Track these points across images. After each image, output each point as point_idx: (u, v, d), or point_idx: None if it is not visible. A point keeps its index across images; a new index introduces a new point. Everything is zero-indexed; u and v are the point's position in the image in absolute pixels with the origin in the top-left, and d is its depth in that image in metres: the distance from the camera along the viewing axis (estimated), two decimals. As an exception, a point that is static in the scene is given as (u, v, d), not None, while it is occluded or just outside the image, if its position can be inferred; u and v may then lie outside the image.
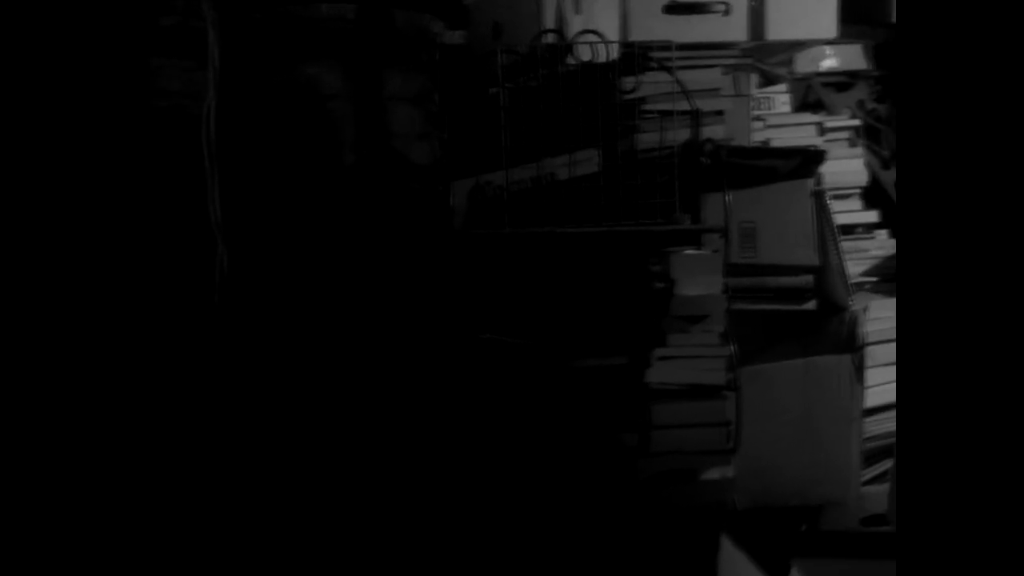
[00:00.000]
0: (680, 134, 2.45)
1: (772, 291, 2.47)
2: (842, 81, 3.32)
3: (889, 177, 3.22)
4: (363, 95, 2.15)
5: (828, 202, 2.52)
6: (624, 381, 2.22)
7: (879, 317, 2.73)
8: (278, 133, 2.12)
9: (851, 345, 2.54)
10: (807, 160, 2.47)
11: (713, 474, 2.22)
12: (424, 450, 2.13)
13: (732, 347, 2.27)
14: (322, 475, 2.12)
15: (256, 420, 2.08)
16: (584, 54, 2.40)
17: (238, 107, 2.03)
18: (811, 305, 2.48)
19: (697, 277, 2.22)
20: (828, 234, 2.51)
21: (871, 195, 3.14)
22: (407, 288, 2.05)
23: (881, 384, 2.74)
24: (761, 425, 2.45)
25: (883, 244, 3.12)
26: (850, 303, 2.52)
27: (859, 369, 2.55)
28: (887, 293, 2.98)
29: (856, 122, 3.16)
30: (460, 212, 2.35)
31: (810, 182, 2.51)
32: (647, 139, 2.44)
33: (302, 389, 2.13)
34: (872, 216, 3.11)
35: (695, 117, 2.44)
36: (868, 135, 3.24)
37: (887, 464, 2.74)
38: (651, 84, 2.45)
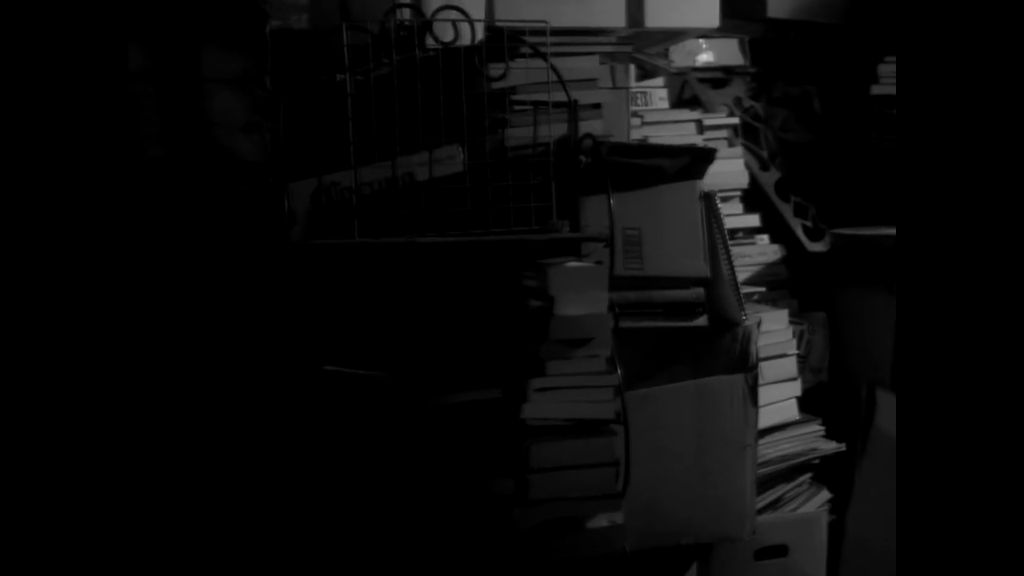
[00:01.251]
0: (556, 129, 2.05)
1: (660, 306, 2.09)
2: (718, 77, 2.98)
3: (768, 178, 2.89)
4: (173, 75, 1.67)
5: (718, 205, 2.15)
6: (497, 418, 1.79)
7: (769, 330, 2.38)
8: (53, 122, 1.61)
9: (744, 364, 2.18)
10: (696, 159, 2.09)
11: (601, 521, 1.82)
12: (252, 509, 1.67)
13: (619, 373, 1.87)
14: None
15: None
16: (445, 34, 1.96)
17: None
18: (702, 321, 2.11)
19: (579, 293, 1.82)
20: (718, 242, 2.14)
21: (750, 198, 2.80)
22: (228, 312, 1.58)
23: (773, 403, 2.39)
24: (649, 456, 2.07)
25: (764, 250, 2.79)
26: (743, 318, 2.16)
27: (752, 390, 2.19)
28: (776, 303, 2.64)
29: (735, 120, 2.81)
30: (300, 219, 1.88)
31: (699, 183, 2.13)
32: (518, 134, 2.03)
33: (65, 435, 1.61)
34: (753, 220, 2.77)
35: (572, 110, 2.03)
36: (746, 134, 2.91)
37: (782, 489, 2.39)
38: (522, 72, 2.04)
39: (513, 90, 2.05)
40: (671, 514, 2.14)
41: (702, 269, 2.10)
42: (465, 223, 1.95)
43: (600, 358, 1.83)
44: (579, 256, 1.97)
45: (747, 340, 2.16)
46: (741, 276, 2.54)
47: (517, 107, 2.05)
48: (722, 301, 2.15)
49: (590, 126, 2.08)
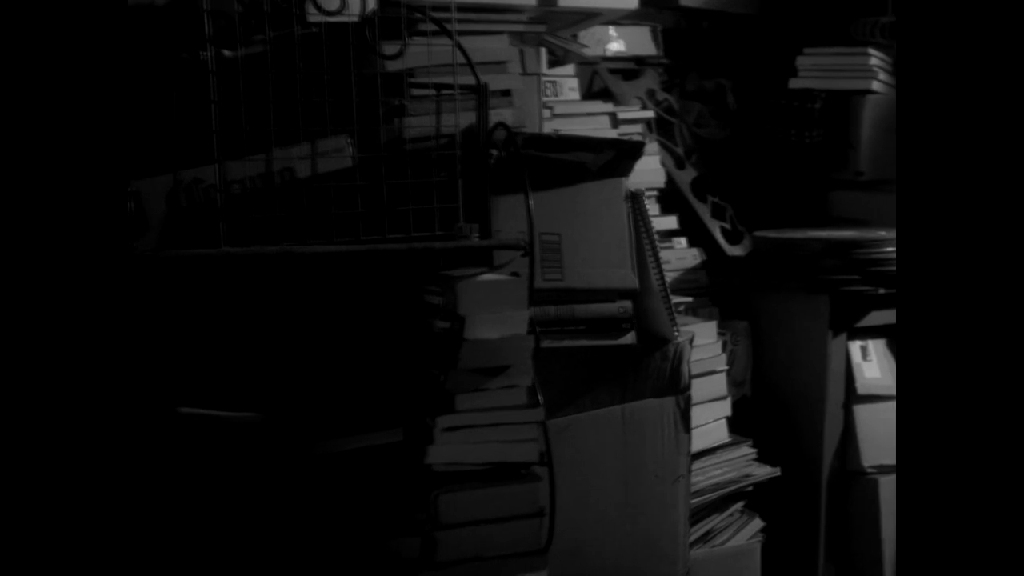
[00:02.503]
0: (462, 118, 1.68)
1: (583, 323, 1.73)
2: (630, 68, 2.65)
3: (685, 177, 2.57)
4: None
5: (646, 207, 1.80)
6: (397, 466, 1.41)
7: (700, 344, 2.05)
8: None
9: (676, 385, 1.84)
10: (622, 153, 1.75)
11: (523, 582, 1.45)
12: None
13: (542, 405, 1.51)
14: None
15: None
16: (330, 4, 1.57)
17: None
18: (630, 338, 1.76)
19: (494, 312, 1.45)
20: (647, 248, 1.80)
21: (666, 198, 2.47)
22: (49, 342, 1.16)
23: (701, 425, 2.07)
24: (573, 494, 1.72)
25: (683, 255, 2.46)
26: (675, 334, 1.82)
27: (685, 414, 1.86)
28: (697, 313, 2.31)
29: (650, 114, 2.48)
30: (154, 225, 1.47)
31: (625, 182, 1.78)
32: (418, 124, 1.65)
33: None
34: (671, 222, 2.44)
35: (481, 96, 1.66)
36: (660, 129, 2.58)
37: (713, 520, 2.06)
38: (422, 52, 1.66)
39: (411, 73, 1.67)
40: (598, 558, 1.79)
41: (630, 280, 1.76)
42: (356, 228, 1.56)
43: (520, 389, 1.47)
44: (492, 266, 1.60)
45: (679, 359, 1.83)
46: (662, 283, 2.21)
47: (416, 92, 1.68)
48: (652, 315, 1.81)
49: (500, 115, 1.72)
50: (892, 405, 2.35)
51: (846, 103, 2.53)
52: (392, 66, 1.65)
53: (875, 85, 2.51)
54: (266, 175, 1.53)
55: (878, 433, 2.32)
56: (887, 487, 2.30)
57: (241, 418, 1.32)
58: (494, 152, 1.66)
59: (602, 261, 1.74)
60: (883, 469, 2.31)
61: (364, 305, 1.51)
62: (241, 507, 1.28)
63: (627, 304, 1.75)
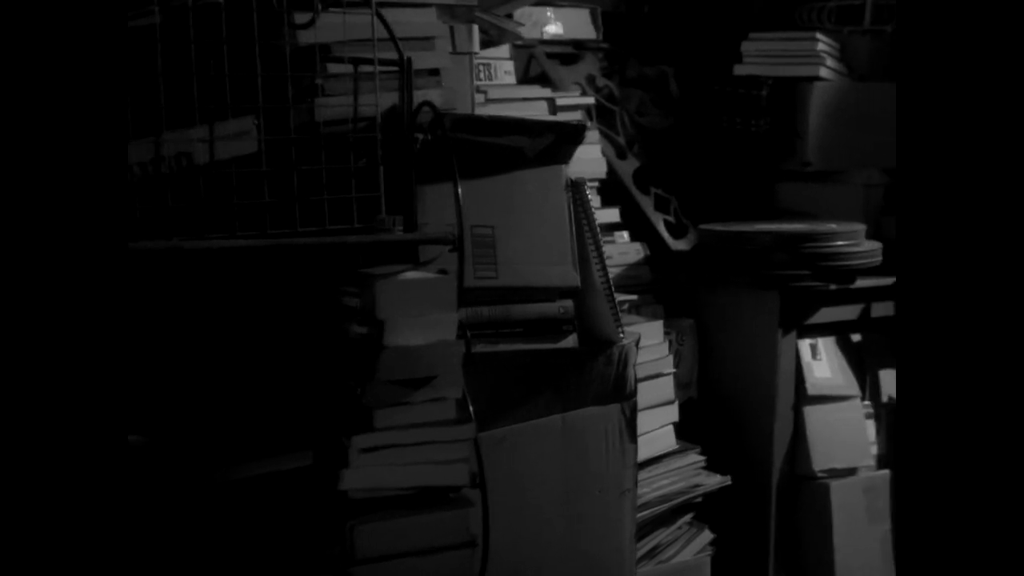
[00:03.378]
0: (384, 99, 1.46)
1: (520, 324, 1.53)
2: (568, 52, 2.46)
3: (627, 167, 2.39)
4: None
5: (588, 196, 1.61)
6: (307, 493, 1.19)
7: (646, 345, 1.87)
8: None
9: (621, 391, 1.65)
10: (562, 138, 1.55)
11: (452, 621, 1.24)
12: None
13: (473, 419, 1.31)
14: None
15: None
16: (229, -35, 1.35)
17: None
18: (571, 341, 1.57)
19: (418, 315, 1.24)
20: (589, 242, 1.61)
21: (608, 189, 2.28)
22: None
23: (648, 432, 1.88)
24: (509, 513, 1.52)
25: (626, 249, 2.27)
26: (620, 335, 1.63)
27: (631, 423, 1.67)
28: (641, 311, 2.13)
29: (591, 100, 2.29)
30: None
31: (565, 169, 1.59)
32: (334, 104, 1.44)
33: None
34: (612, 215, 2.26)
35: (405, 73, 1.45)
36: (601, 117, 2.39)
37: (661, 535, 1.88)
38: (338, 24, 1.45)
39: (327, 48, 1.46)
40: (536, 582, 1.60)
41: (571, 277, 1.56)
42: (262, 221, 1.34)
43: (448, 402, 1.27)
44: (417, 263, 1.40)
45: (624, 363, 1.64)
46: (603, 280, 2.02)
47: (334, 70, 1.46)
48: (595, 316, 1.62)
49: (427, 96, 1.51)
50: (842, 406, 2.19)
51: (793, 90, 2.37)
52: (304, 39, 1.43)
53: (823, 72, 2.35)
54: (156, 160, 1.30)
55: (828, 436, 2.16)
56: (839, 492, 2.14)
57: (116, 439, 1.09)
58: (420, 136, 1.46)
59: (541, 256, 1.54)
60: (834, 473, 2.15)
61: (271, 308, 1.29)
62: (122, 546, 1.05)
63: (568, 304, 1.56)
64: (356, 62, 1.42)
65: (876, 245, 2.18)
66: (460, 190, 1.39)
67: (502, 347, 1.51)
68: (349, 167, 1.40)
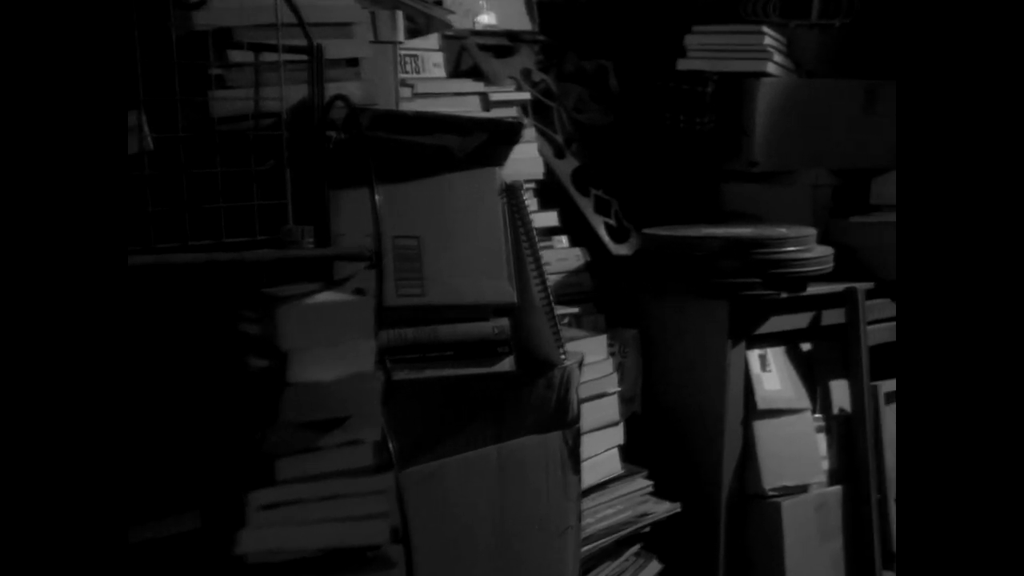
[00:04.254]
0: (292, 92, 1.26)
1: (450, 347, 1.33)
2: (503, 44, 2.26)
3: (565, 167, 2.20)
4: None
5: (525, 203, 1.42)
6: (196, 561, 0.98)
7: (589, 362, 1.68)
8: None
9: (563, 418, 1.47)
10: (496, 136, 1.35)
11: None
12: None
13: (395, 464, 1.11)
14: None
15: None
16: (103, -68, 1.12)
17: None
18: (507, 364, 1.37)
19: (330, 345, 1.04)
20: (527, 253, 1.41)
21: (545, 191, 2.09)
22: None
23: (591, 457, 1.70)
24: (439, 557, 1.33)
25: (565, 255, 2.09)
26: (561, 356, 1.44)
27: (573, 452, 1.49)
28: (581, 322, 1.95)
29: (527, 96, 2.10)
30: None
31: (500, 172, 1.39)
32: (233, 98, 1.22)
33: None
34: (550, 218, 2.07)
35: (316, 62, 1.25)
36: (537, 114, 2.20)
37: (606, 568, 1.70)
38: (237, 6, 1.23)
39: (227, 33, 1.24)
40: (470, 633, 1.40)
41: (507, 292, 1.37)
42: (146, 232, 1.13)
43: (365, 446, 1.06)
44: (331, 281, 1.19)
45: (566, 386, 1.45)
46: (541, 289, 1.83)
47: (236, 59, 1.25)
48: (533, 335, 1.42)
49: (343, 89, 1.30)
50: (793, 420, 2.04)
51: (739, 87, 2.20)
52: (200, 22, 1.21)
53: (770, 67, 2.19)
54: (14, 162, 1.07)
55: (779, 452, 2.00)
56: (790, 511, 1.99)
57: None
58: (333, 134, 1.25)
59: (473, 270, 1.34)
60: (785, 491, 1.99)
61: (152, 337, 1.07)
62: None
63: (504, 323, 1.36)
64: (258, 49, 1.21)
65: (828, 251, 2.02)
66: (380, 196, 1.19)
67: (429, 373, 1.31)
68: (250, 170, 1.19)
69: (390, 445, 1.12)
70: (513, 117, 1.96)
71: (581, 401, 1.56)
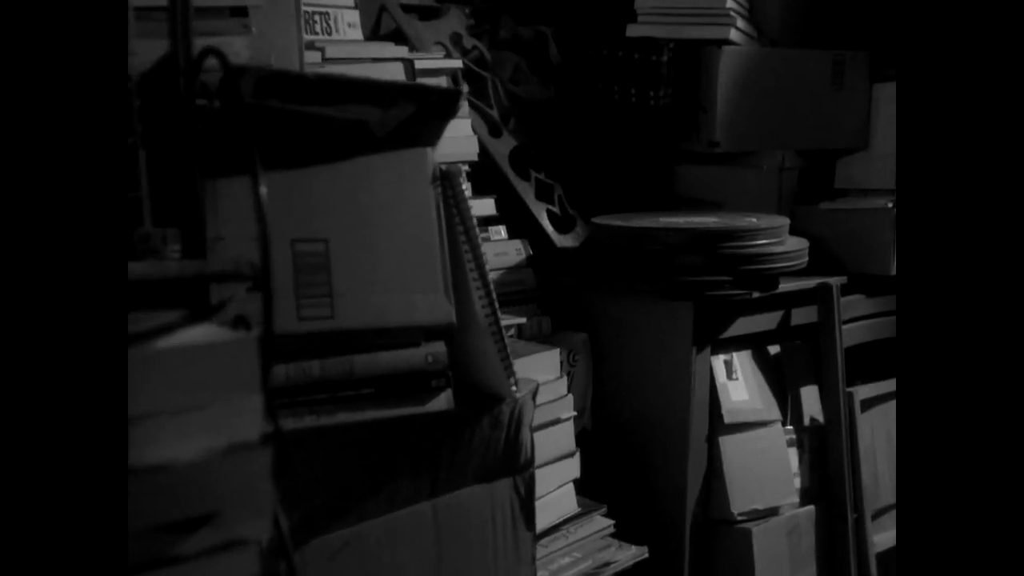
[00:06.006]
0: (147, 49, 0.90)
1: (369, 383, 0.99)
2: (429, 5, 1.91)
3: (501, 147, 1.87)
4: None
5: (464, 194, 1.07)
6: None
7: (543, 382, 1.35)
8: None
9: (513, 461, 1.14)
10: (428, 108, 1.00)
11: None
12: None
13: (284, 533, 0.76)
14: None
15: None
16: None
17: None
18: (444, 401, 1.04)
19: (190, 408, 0.69)
20: (468, 259, 1.07)
21: (480, 174, 1.75)
22: None
23: (543, 496, 1.37)
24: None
25: (504, 248, 1.76)
26: (512, 387, 1.11)
27: (526, 503, 1.16)
28: (532, 328, 1.62)
29: (458, 64, 1.75)
30: None
31: (432, 155, 1.05)
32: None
33: None
34: (487, 206, 1.74)
35: (180, 11, 0.88)
36: (470, 86, 1.86)
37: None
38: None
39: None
40: None
41: (443, 309, 1.03)
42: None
43: (247, 548, 0.72)
44: (205, 306, 0.83)
45: (517, 423, 1.12)
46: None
47: None
48: (477, 361, 1.09)
49: (226, 47, 0.94)
50: (762, 433, 1.75)
51: (697, 56, 1.89)
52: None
53: (733, 34, 1.88)
54: None
55: (748, 471, 1.72)
56: (761, 538, 1.70)
57: None
58: (209, 103, 0.89)
59: (399, 282, 1.00)
60: (755, 515, 1.71)
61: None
62: None
63: (439, 348, 1.03)
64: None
65: (803, 243, 1.74)
66: (271, 186, 0.84)
67: (343, 418, 0.97)
68: (86, 153, 0.83)
69: (280, 522, 0.78)
70: (449, 85, 1.61)
71: (534, 428, 1.23)
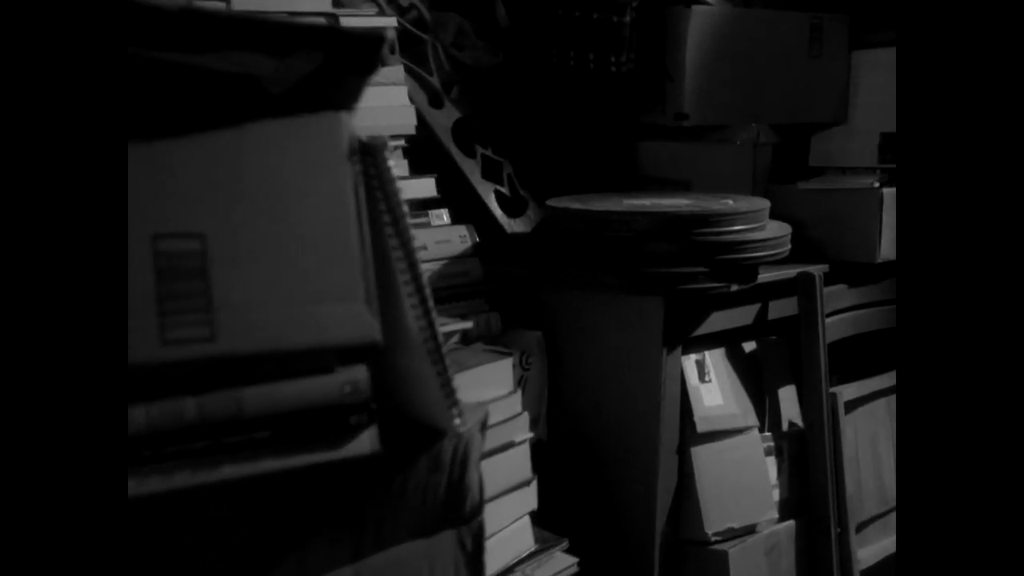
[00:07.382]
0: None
1: (264, 424, 0.73)
2: (359, -45, 1.62)
3: (443, 119, 1.61)
4: None
5: (391, 172, 0.81)
6: None
7: (492, 400, 1.10)
8: None
9: (458, 509, 0.89)
10: (340, 59, 0.73)
11: None
12: None
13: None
14: None
15: None
16: None
17: None
18: (367, 443, 0.78)
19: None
20: (397, 255, 0.81)
21: (418, 150, 1.49)
22: None
23: (500, 530, 1.12)
24: None
25: (447, 235, 1.50)
26: (455, 419, 0.85)
27: (474, 557, 0.91)
28: (480, 327, 1.37)
29: (392, 22, 1.48)
30: None
31: (348, 121, 0.78)
32: None
33: None
34: (426, 187, 1.48)
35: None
36: (406, 50, 1.59)
37: None
38: None
39: None
40: None
41: (364, 323, 0.77)
42: None
43: None
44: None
45: (462, 463, 0.87)
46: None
47: None
48: (409, 388, 0.83)
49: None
50: (738, 442, 1.52)
51: (663, 18, 1.64)
52: None
53: (703, -8, 1.64)
54: None
55: (723, 485, 1.49)
56: (738, 559, 1.48)
57: None
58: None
59: (303, 290, 0.74)
60: (731, 534, 1.49)
61: None
62: None
63: (359, 375, 0.77)
64: None
65: (785, 229, 1.51)
66: (117, 164, 0.56)
67: (229, 472, 0.71)
68: None
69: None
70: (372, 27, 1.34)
71: (484, 454, 0.97)
